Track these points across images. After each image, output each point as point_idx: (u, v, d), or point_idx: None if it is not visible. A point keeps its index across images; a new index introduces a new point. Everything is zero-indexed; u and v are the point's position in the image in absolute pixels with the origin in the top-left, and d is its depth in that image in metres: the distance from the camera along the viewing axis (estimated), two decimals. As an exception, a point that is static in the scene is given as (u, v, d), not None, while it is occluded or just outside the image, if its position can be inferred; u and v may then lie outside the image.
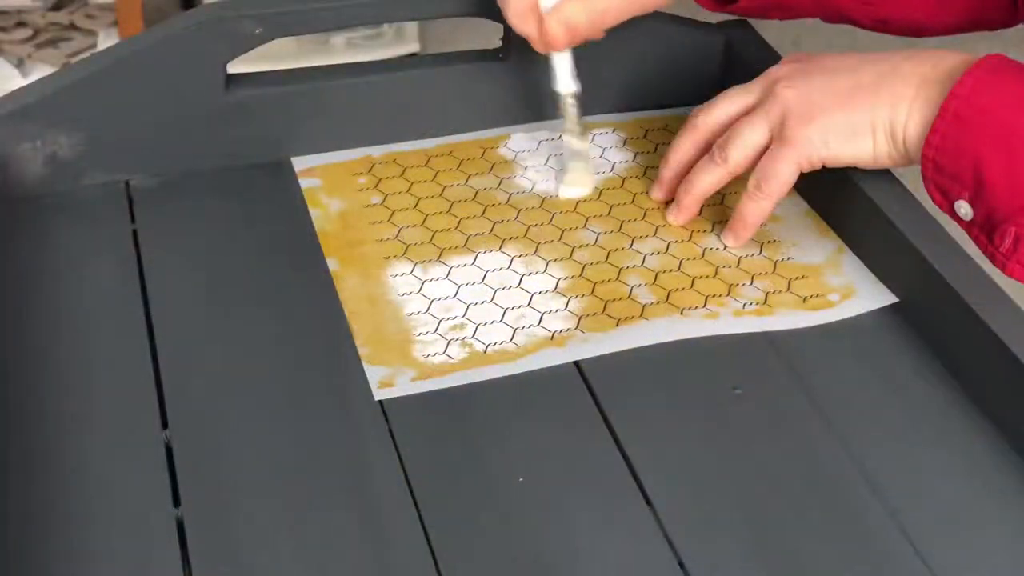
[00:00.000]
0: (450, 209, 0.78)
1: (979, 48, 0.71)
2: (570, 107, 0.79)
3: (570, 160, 0.80)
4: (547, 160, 0.82)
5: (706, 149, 0.76)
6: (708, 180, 0.74)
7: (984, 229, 0.68)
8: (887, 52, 0.73)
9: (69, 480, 0.58)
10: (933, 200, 0.70)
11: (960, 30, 0.88)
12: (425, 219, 0.77)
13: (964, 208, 0.68)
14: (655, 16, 0.85)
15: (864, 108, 0.70)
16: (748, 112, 0.74)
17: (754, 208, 0.73)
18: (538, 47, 0.76)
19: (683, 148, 0.76)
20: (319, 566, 0.56)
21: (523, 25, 0.75)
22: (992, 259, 0.68)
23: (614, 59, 0.85)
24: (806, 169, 0.71)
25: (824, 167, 0.72)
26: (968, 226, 0.69)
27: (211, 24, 0.75)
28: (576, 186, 0.79)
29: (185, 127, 0.77)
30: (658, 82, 0.86)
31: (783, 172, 0.71)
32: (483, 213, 0.77)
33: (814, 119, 0.70)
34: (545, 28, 0.74)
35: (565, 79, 0.78)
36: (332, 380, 0.65)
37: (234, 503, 0.58)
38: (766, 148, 0.72)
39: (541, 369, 0.66)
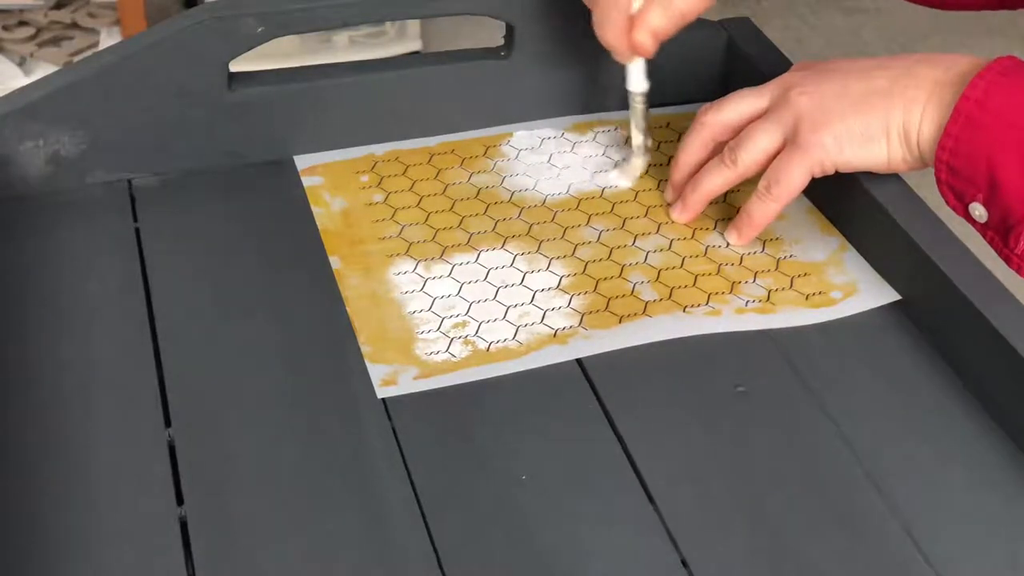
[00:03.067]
0: (452, 207, 0.78)
1: (990, 47, 0.71)
2: (639, 104, 0.79)
3: (632, 154, 0.81)
4: (549, 158, 0.82)
5: (715, 148, 0.76)
6: (716, 181, 0.75)
7: (999, 231, 0.68)
8: (899, 56, 0.72)
9: (72, 479, 0.59)
10: (947, 203, 0.70)
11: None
12: (427, 217, 0.77)
13: (979, 210, 0.68)
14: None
15: (878, 113, 0.70)
16: (760, 116, 0.73)
17: (762, 209, 0.73)
18: (623, 58, 0.77)
19: (692, 149, 0.76)
20: (322, 564, 0.56)
21: (617, 41, 0.76)
22: (1008, 261, 0.68)
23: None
24: (818, 175, 0.71)
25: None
26: (983, 228, 0.69)
27: (213, 23, 0.75)
28: (630, 178, 0.80)
29: (187, 126, 0.77)
30: (660, 80, 0.86)
31: (795, 176, 0.71)
32: (485, 211, 0.77)
33: (828, 124, 0.70)
34: (633, 39, 0.75)
35: (639, 79, 0.79)
36: (335, 378, 0.65)
37: (237, 501, 0.58)
38: (777, 153, 0.72)
39: (544, 367, 0.66)
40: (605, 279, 0.72)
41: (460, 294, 0.71)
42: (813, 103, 0.71)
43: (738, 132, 0.74)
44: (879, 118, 0.70)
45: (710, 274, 0.73)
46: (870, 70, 0.72)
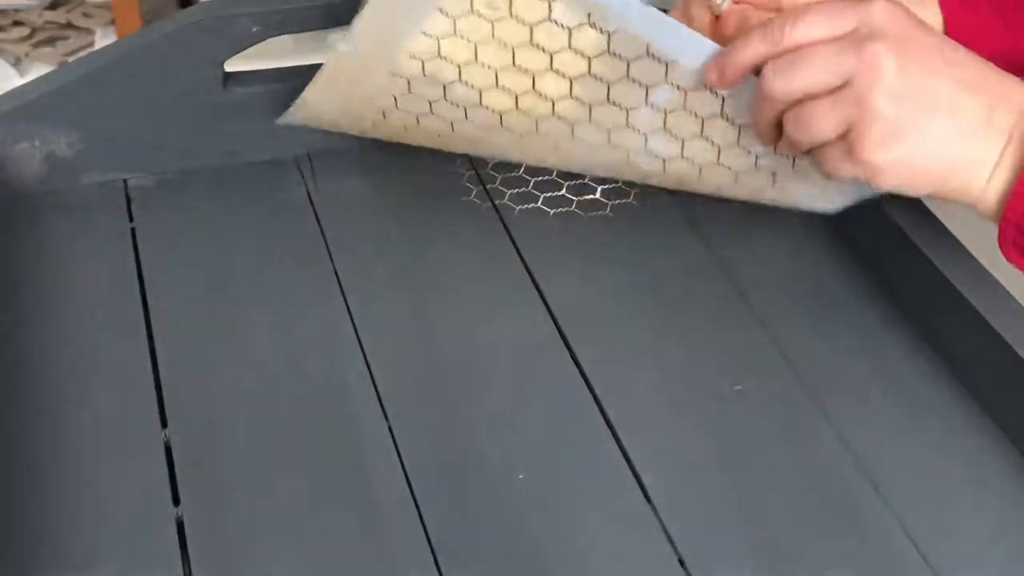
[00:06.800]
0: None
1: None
2: None
3: None
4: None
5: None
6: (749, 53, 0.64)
7: None
8: (987, 73, 0.62)
9: (68, 480, 0.58)
10: (1008, 258, 0.63)
11: None
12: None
13: None
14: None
15: (951, 150, 0.61)
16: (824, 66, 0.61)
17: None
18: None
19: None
20: (319, 565, 0.55)
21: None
22: None
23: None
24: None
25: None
26: None
27: (208, 22, 0.75)
28: None
29: (183, 125, 0.77)
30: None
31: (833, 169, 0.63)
32: None
33: (894, 146, 0.60)
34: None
35: None
36: (332, 379, 0.65)
37: (234, 502, 0.58)
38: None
39: (541, 366, 0.66)
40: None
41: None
42: (888, 102, 0.60)
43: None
44: (949, 157, 0.61)
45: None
46: (958, 91, 0.61)
